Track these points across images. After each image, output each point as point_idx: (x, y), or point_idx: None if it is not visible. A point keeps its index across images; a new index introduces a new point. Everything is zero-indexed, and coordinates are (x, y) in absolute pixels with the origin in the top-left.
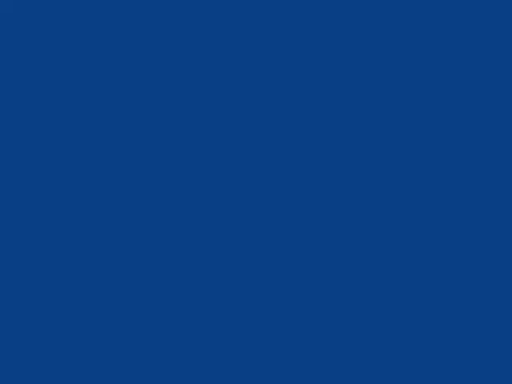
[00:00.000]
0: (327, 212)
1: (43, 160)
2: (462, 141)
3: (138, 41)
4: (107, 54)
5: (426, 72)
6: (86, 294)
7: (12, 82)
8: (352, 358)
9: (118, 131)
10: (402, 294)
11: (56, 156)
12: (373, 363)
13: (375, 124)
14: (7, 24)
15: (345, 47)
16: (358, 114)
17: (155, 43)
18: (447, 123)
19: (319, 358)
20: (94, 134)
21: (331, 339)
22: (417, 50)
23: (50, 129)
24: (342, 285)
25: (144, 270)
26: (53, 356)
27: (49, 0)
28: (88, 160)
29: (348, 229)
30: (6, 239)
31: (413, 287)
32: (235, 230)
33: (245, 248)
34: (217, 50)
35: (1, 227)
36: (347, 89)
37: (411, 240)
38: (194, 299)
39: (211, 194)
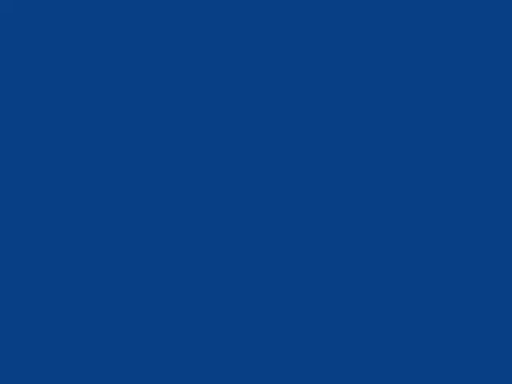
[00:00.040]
0: (327, 212)
1: (43, 160)
2: (462, 141)
3: (138, 41)
4: (107, 54)
5: (426, 72)
6: (86, 293)
7: (12, 81)
8: (352, 358)
9: (117, 131)
10: (402, 293)
11: (56, 156)
12: (373, 363)
13: (375, 124)
14: (7, 24)
15: (345, 47)
16: (358, 113)
17: (155, 43)
18: (447, 123)
19: (319, 358)
20: (94, 134)
21: (331, 339)
22: (417, 50)
23: (50, 129)
24: (342, 285)
25: (144, 270)
26: (53, 356)
27: (49, 0)
28: (88, 160)
29: (348, 229)
30: (6, 239)
31: (413, 287)
32: (235, 229)
33: (245, 248)
34: (217, 50)
35: (1, 227)
36: (347, 89)
37: (411, 240)
38: (194, 299)
39: (211, 193)
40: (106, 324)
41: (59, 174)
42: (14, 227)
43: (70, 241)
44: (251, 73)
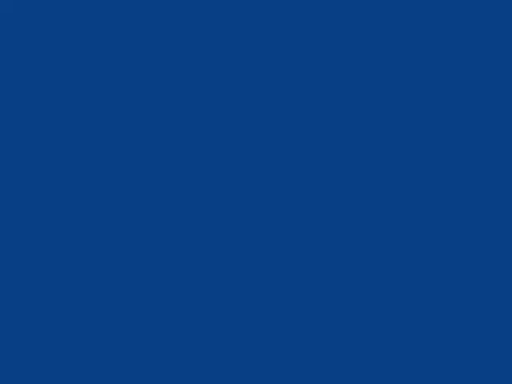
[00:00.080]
0: (327, 212)
1: (43, 160)
2: (462, 141)
3: (138, 41)
4: (107, 54)
5: (426, 72)
6: (86, 293)
7: (12, 81)
8: (352, 357)
9: (117, 131)
10: (402, 293)
11: (56, 156)
12: (373, 363)
13: (375, 124)
14: (7, 24)
15: (345, 47)
16: (358, 114)
17: (155, 43)
18: (447, 123)
19: (319, 358)
20: (94, 134)
21: (331, 339)
22: (417, 50)
23: (50, 129)
24: (342, 285)
25: (144, 270)
26: (53, 356)
27: (49, 0)
28: (88, 160)
29: (348, 229)
30: (6, 239)
31: (413, 287)
32: (235, 229)
33: (245, 248)
34: (217, 50)
35: (1, 227)
36: (347, 89)
37: (411, 240)
38: (194, 299)
39: (211, 193)
40: (106, 324)
41: (59, 173)
42: (14, 227)
43: (70, 241)
44: (251, 73)
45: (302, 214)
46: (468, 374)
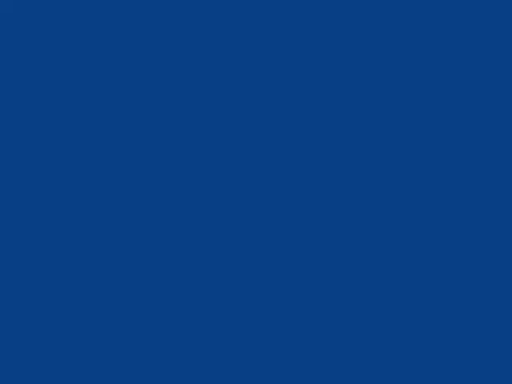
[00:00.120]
0: (327, 212)
1: (43, 160)
2: (462, 141)
3: (138, 41)
4: (107, 54)
5: (426, 72)
6: (86, 293)
7: (12, 81)
8: (352, 358)
9: (118, 131)
10: (402, 294)
11: (56, 156)
12: (373, 363)
13: (375, 124)
14: (7, 24)
15: (345, 47)
16: (358, 114)
17: (155, 43)
18: (447, 123)
19: (319, 358)
20: (94, 134)
21: (331, 339)
22: (417, 50)
23: (50, 129)
24: (342, 285)
25: (144, 270)
26: (53, 356)
27: (49, 0)
28: (88, 160)
29: (348, 229)
30: (6, 239)
31: (413, 287)
32: (235, 229)
33: (245, 248)
34: (217, 50)
35: (1, 227)
36: (347, 89)
37: (411, 240)
38: (194, 299)
39: (211, 193)
40: (106, 324)
41: (59, 173)
42: (14, 227)
43: (70, 240)
44: (251, 73)
45: (302, 213)
46: (468, 374)
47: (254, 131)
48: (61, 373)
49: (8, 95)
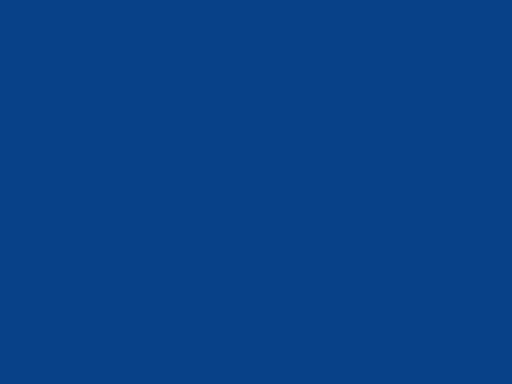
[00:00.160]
0: (327, 212)
1: (43, 160)
2: (462, 141)
3: (138, 41)
4: (107, 54)
5: (426, 72)
6: (86, 294)
7: (12, 81)
8: (352, 358)
9: (118, 131)
10: (402, 294)
11: (56, 156)
12: (373, 363)
13: (375, 124)
14: (7, 24)
15: (345, 47)
16: (358, 114)
17: (155, 43)
18: (447, 123)
19: (319, 358)
20: (94, 134)
21: (331, 339)
22: (417, 50)
23: (50, 129)
24: (342, 285)
25: (144, 270)
26: (53, 356)
27: (49, 0)
28: (88, 160)
29: (348, 229)
30: (6, 239)
31: (413, 287)
32: (235, 230)
33: (245, 248)
34: (217, 50)
35: (1, 227)
36: (347, 89)
37: (411, 240)
38: (194, 299)
39: (211, 194)
40: (106, 324)
41: (59, 173)
42: (14, 227)
43: (70, 241)
44: (251, 73)
45: (302, 213)
46: (468, 374)
47: (254, 131)
48: (61, 373)
49: (8, 95)
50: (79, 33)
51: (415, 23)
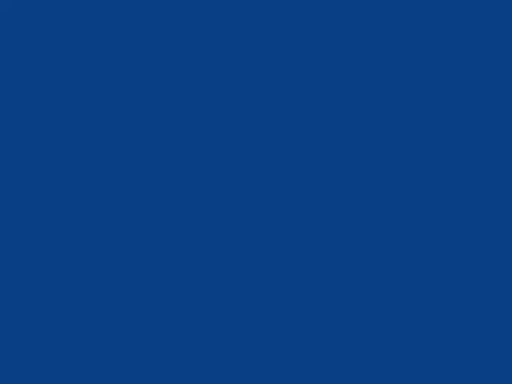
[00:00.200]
0: (327, 212)
1: (43, 160)
2: (462, 141)
3: (138, 41)
4: (107, 54)
5: (426, 72)
6: (86, 294)
7: (12, 81)
8: (352, 358)
9: (118, 131)
10: (402, 294)
11: (56, 156)
12: (373, 363)
13: (375, 124)
14: (7, 24)
15: (345, 47)
16: (358, 114)
17: (155, 43)
18: (447, 123)
19: (319, 358)
20: (94, 134)
21: (331, 339)
22: (417, 50)
23: (50, 129)
24: (342, 285)
25: (144, 270)
26: (53, 356)
27: (49, 0)
28: (88, 160)
29: (348, 229)
30: (6, 239)
31: (413, 287)
32: (235, 230)
33: (245, 248)
34: (217, 50)
35: (1, 227)
36: (347, 89)
37: (411, 240)
38: (194, 299)
39: (211, 194)
40: (106, 324)
41: (59, 173)
42: (14, 227)
43: (70, 241)
44: (251, 73)
45: (302, 214)
46: (468, 374)
47: (254, 131)
48: (61, 373)
49: (8, 95)
50: (79, 33)
51: (415, 23)
